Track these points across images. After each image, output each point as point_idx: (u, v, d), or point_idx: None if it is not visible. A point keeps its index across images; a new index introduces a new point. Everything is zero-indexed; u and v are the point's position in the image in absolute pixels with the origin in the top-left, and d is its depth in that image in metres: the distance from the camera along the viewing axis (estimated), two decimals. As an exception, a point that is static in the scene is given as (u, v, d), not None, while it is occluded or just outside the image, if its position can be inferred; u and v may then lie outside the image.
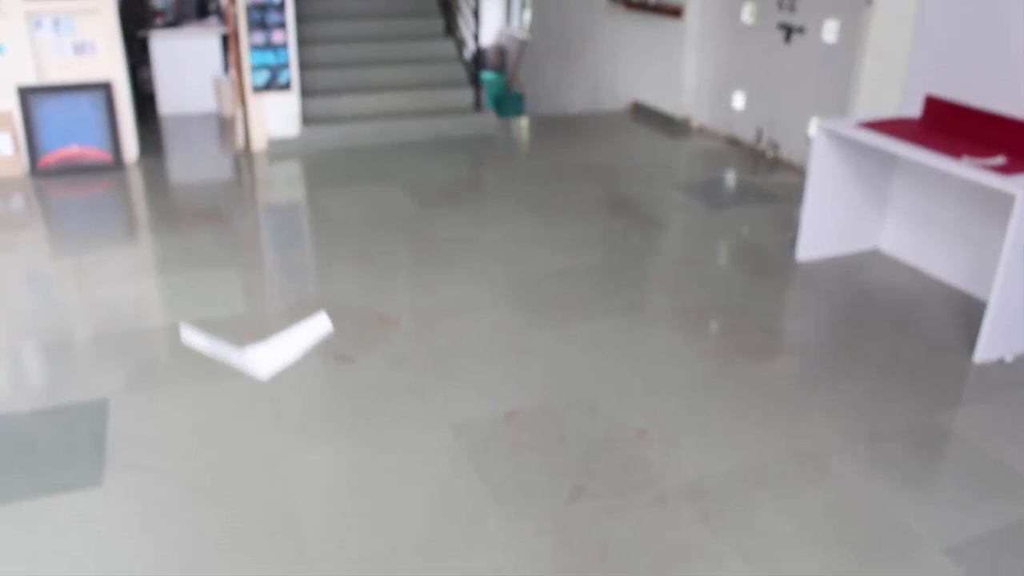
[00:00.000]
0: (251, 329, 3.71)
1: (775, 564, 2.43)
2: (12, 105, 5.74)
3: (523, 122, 8.03)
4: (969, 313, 3.92)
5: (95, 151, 5.98)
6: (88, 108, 5.93)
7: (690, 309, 3.98)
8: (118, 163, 6.05)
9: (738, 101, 6.71)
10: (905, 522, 2.61)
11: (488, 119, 7.24)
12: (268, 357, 3.47)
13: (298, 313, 3.88)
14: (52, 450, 2.93)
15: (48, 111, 5.83)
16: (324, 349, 3.59)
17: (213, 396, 3.25)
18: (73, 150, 5.93)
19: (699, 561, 2.44)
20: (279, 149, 6.57)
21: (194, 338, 3.46)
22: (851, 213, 4.51)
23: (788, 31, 6.05)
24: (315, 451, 2.94)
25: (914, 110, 4.30)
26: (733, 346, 3.65)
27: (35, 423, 3.09)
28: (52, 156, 5.88)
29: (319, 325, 3.68)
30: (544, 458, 2.89)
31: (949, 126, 4.04)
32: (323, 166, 6.26)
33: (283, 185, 6.08)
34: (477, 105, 7.37)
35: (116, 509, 2.64)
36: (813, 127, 5.52)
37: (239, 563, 2.42)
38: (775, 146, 6.31)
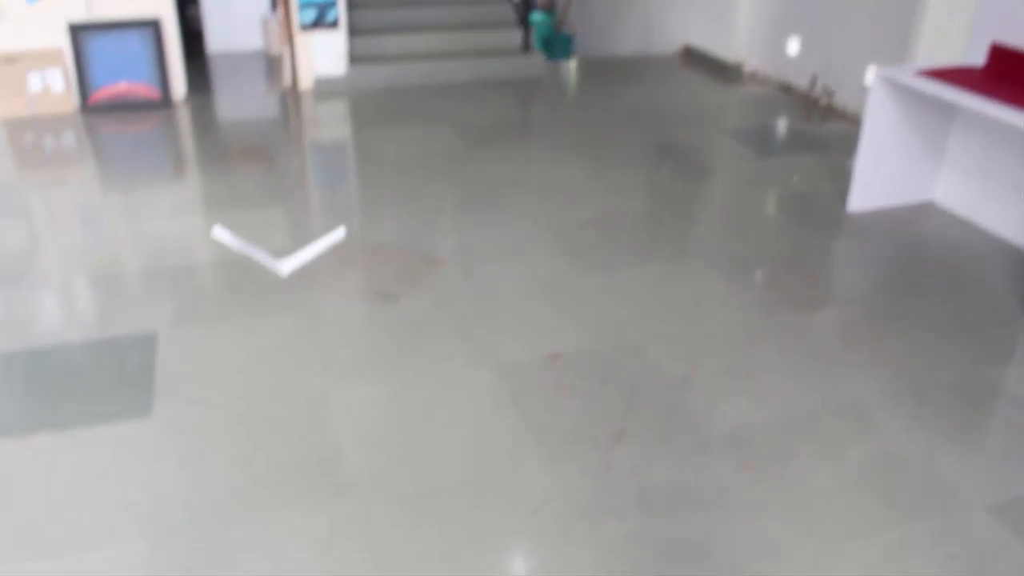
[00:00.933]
0: (299, 271, 3.75)
1: (814, 514, 2.43)
2: (63, 42, 5.79)
3: (572, 65, 7.91)
4: (1025, 269, 3.83)
5: (144, 88, 6.02)
6: (137, 45, 5.95)
7: (737, 258, 3.93)
8: (166, 100, 6.08)
9: (792, 46, 6.53)
10: (948, 478, 2.58)
11: (536, 61, 7.14)
12: (290, 261, 3.71)
13: (343, 252, 3.91)
14: (103, 381, 3.00)
15: (98, 48, 5.87)
16: (369, 288, 3.61)
17: (260, 332, 3.30)
18: (122, 87, 5.97)
19: (738, 508, 2.44)
20: (326, 88, 6.56)
21: (223, 235, 3.53)
22: (906, 164, 4.40)
23: (848, -26, 5.86)
24: (359, 388, 2.98)
25: (978, 58, 4.15)
26: (779, 296, 3.61)
27: (87, 354, 3.16)
28: (102, 93, 5.93)
29: (335, 235, 3.89)
30: (586, 402, 2.90)
31: (1015, 76, 3.90)
32: (369, 106, 6.24)
33: (329, 124, 6.08)
34: (526, 47, 7.26)
35: (164, 439, 2.70)
36: (870, 74, 5.37)
37: (283, 496, 2.47)
38: (829, 93, 6.15)
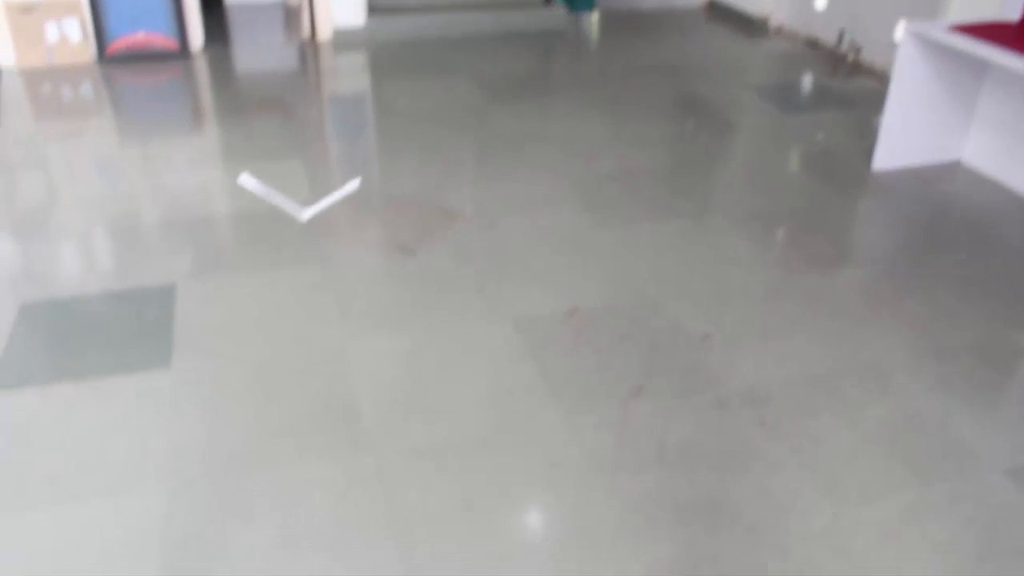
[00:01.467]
0: (316, 221, 3.74)
1: (830, 473, 2.42)
2: (81, -12, 5.74)
3: (594, 17, 7.78)
4: (1053, 230, 3.77)
5: (161, 38, 5.97)
6: (155, -6, 5.90)
7: (759, 214, 3.89)
8: (184, 51, 6.04)
9: (820, 1, 6.40)
10: (967, 440, 2.56)
11: (558, 13, 7.02)
12: (310, 208, 3.80)
13: (362, 205, 3.89)
14: (122, 331, 3.02)
15: (116, -4, 5.82)
16: (387, 241, 3.60)
17: (278, 284, 3.30)
18: (140, 37, 5.93)
19: (755, 465, 2.44)
20: (344, 39, 6.49)
21: (249, 182, 3.56)
22: (934, 122, 4.32)
23: (879, -75, 5.70)
24: (377, 341, 2.98)
25: (1014, 14, 4.04)
26: (801, 254, 3.57)
27: (106, 305, 3.17)
28: (120, 43, 5.89)
29: (351, 186, 3.97)
30: (605, 357, 2.89)
31: (1050, 31, 3.80)
32: (389, 57, 6.17)
33: (348, 76, 6.02)
34: (547, -1, 7.16)
35: (182, 390, 2.72)
36: (900, 30, 5.26)
37: (300, 447, 2.49)
38: (857, 49, 6.03)
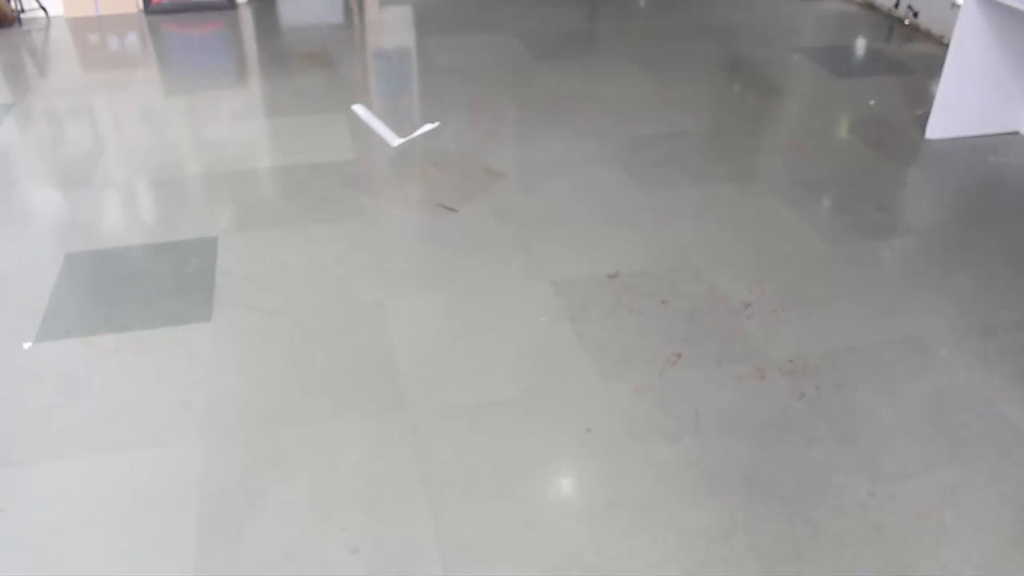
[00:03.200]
0: (357, 174, 3.74)
1: (868, 448, 2.38)
2: (129, -63, 5.74)
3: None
4: (1111, 205, 3.65)
5: (208, -12, 5.97)
6: (202, -57, 5.89)
7: (805, 181, 3.81)
8: (229, 2, 6.03)
9: (878, -40, 6.20)
10: (1011, 420, 2.51)
11: (605, -30, 6.89)
12: (400, 139, 3.99)
13: (404, 162, 3.88)
14: (164, 284, 3.05)
15: (163, -55, 5.81)
16: (428, 199, 3.59)
17: (319, 239, 3.31)
18: (187, -14, 5.93)
19: (791, 437, 2.41)
20: (389, -7, 6.43)
21: (360, 111, 3.81)
22: (993, 90, 4.17)
23: None
24: (416, 299, 2.98)
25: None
26: (847, 223, 3.50)
27: (148, 257, 3.21)
28: (167, -8, 5.90)
29: (431, 126, 4.07)
30: (644, 322, 2.86)
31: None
32: (435, 12, 6.11)
33: (393, 30, 5.98)
34: (595, -46, 7.02)
35: (222, 344, 2.75)
36: (960, -8, 5.07)
37: (336, 404, 2.51)
38: (914, 13, 5.85)
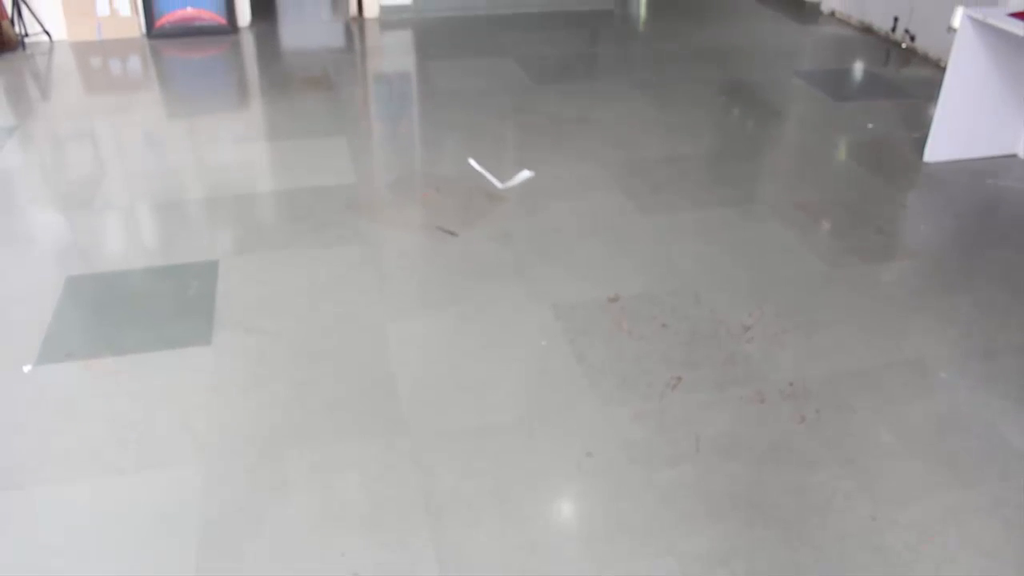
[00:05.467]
0: (358, 197, 3.75)
1: (869, 472, 2.38)
2: (132, -38, 5.79)
3: (641, -1, 7.70)
4: (1110, 228, 3.66)
5: (209, 14, 6.01)
6: (204, -31, 5.93)
7: (805, 204, 3.82)
8: (231, 26, 6.07)
9: (875, -15, 6.26)
10: (1013, 443, 2.50)
11: (606, -6, 6.97)
12: (508, 182, 3.96)
13: (404, 185, 3.89)
14: (165, 307, 3.05)
15: (166, -30, 5.86)
16: (429, 223, 3.60)
17: (319, 262, 3.31)
18: (188, 12, 5.97)
19: (792, 462, 2.41)
20: (391, 17, 6.48)
21: (475, 164, 3.90)
22: (990, 113, 4.20)
23: (939, -92, 5.54)
24: (417, 322, 2.99)
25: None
26: (846, 246, 3.51)
27: (149, 280, 3.21)
28: (168, 17, 5.94)
29: (527, 174, 4.01)
30: (644, 345, 2.87)
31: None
32: (435, 36, 6.16)
33: (394, 54, 6.02)
34: (596, -22, 7.09)
35: (224, 366, 2.75)
36: (957, 16, 5.11)
37: (339, 426, 2.50)
38: (911, 37, 5.89)
